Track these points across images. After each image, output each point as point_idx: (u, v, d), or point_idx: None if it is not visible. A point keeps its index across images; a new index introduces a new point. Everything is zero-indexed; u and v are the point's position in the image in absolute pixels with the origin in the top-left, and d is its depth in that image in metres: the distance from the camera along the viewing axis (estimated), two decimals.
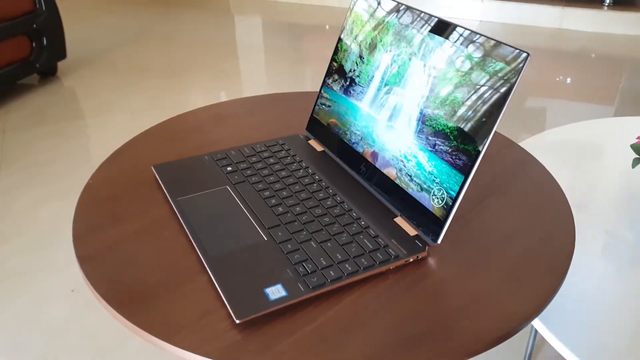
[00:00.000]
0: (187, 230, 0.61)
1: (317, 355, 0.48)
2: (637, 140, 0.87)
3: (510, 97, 0.54)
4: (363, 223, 0.62)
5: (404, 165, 0.63)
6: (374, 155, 0.68)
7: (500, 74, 0.55)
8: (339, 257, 0.57)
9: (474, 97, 0.56)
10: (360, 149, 0.70)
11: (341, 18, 3.29)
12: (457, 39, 0.59)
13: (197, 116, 0.87)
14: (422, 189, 0.61)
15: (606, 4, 3.21)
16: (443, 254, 0.60)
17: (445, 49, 0.60)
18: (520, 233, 0.63)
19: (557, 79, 2.54)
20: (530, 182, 0.73)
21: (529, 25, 3.28)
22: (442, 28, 0.61)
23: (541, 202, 0.69)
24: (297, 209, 0.64)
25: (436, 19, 0.62)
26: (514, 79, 0.53)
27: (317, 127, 0.79)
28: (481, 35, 0.57)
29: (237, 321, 0.50)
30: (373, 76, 0.70)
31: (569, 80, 2.53)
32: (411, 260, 0.58)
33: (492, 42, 0.56)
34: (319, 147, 0.77)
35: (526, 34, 3.15)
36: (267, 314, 0.51)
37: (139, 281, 0.55)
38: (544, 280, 0.56)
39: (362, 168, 0.70)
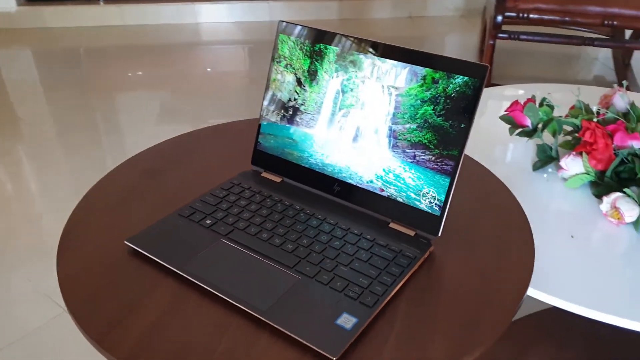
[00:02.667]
0: (219, 294, 0.59)
1: (419, 355, 0.53)
2: (506, 112, 1.07)
3: (480, 97, 0.65)
4: (369, 237, 0.68)
5: (386, 179, 0.70)
6: (347, 174, 0.73)
7: (464, 84, 0.65)
8: (373, 272, 0.62)
9: (445, 108, 0.66)
10: (327, 172, 0.75)
11: (126, 36, 3.14)
12: (409, 58, 0.68)
13: (126, 177, 0.81)
14: (409, 195, 0.69)
15: None
16: (439, 244, 0.69)
17: (400, 69, 0.68)
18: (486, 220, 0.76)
19: None
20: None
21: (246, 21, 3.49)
22: (389, 51, 0.69)
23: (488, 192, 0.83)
24: (304, 241, 0.67)
25: (379, 43, 0.70)
26: (479, 84, 0.64)
27: (264, 159, 0.81)
28: (431, 53, 0.67)
29: (334, 358, 0.52)
30: (322, 102, 0.75)
31: None
32: (426, 256, 0.66)
33: (446, 58, 0.66)
34: (276, 178, 0.79)
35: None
36: (351, 343, 0.54)
37: None
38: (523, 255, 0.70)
39: (335, 188, 0.75)
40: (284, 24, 0.77)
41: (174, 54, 2.94)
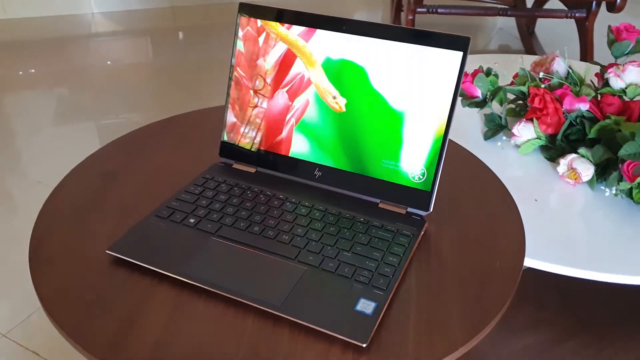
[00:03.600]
0: (228, 295, 0.55)
1: (442, 332, 0.53)
2: None
3: (463, 71, 0.65)
4: (362, 219, 0.67)
5: (378, 159, 0.69)
6: (329, 158, 0.71)
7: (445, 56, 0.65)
8: (377, 254, 0.61)
9: (425, 86, 0.66)
10: (305, 157, 0.72)
11: (11, 30, 2.88)
12: (386, 34, 0.67)
13: (84, 182, 0.74)
14: (397, 172, 0.68)
15: None
16: (429, 220, 0.69)
17: (391, 50, 0.67)
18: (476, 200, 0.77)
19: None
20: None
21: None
22: (362, 27, 0.68)
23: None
24: (299, 230, 0.65)
25: (350, 20, 0.68)
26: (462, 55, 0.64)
27: (234, 150, 0.77)
28: (410, 28, 0.66)
29: (364, 345, 0.51)
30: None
31: None
32: (422, 233, 0.66)
33: (426, 32, 0.65)
34: (250, 169, 0.76)
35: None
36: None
37: None
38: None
39: (316, 174, 0.73)
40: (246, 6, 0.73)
41: (69, 48, 2.73)
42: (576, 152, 0.94)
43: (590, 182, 0.94)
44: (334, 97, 0.71)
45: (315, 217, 0.67)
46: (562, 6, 2.17)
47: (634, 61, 0.98)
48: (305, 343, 0.52)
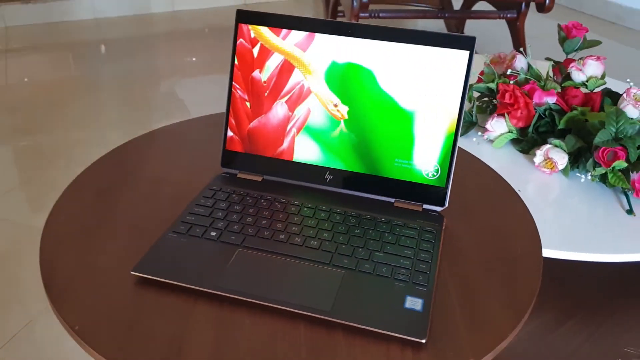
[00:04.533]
0: (276, 305, 0.54)
1: (488, 321, 0.54)
2: None
3: (470, 73, 0.67)
4: (383, 219, 0.67)
5: (390, 158, 0.70)
6: (339, 161, 0.71)
7: (452, 59, 0.67)
8: (408, 252, 0.62)
9: (433, 85, 0.67)
10: (315, 161, 0.72)
11: None
12: (393, 37, 0.68)
13: (81, 202, 0.70)
14: (411, 171, 0.69)
15: None
16: (445, 215, 0.71)
17: (399, 52, 0.68)
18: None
19: (189, 60, 2.71)
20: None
21: (145, 14, 3.32)
22: (368, 30, 0.68)
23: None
24: (325, 235, 0.64)
25: (355, 24, 0.69)
26: (467, 59, 0.66)
27: (238, 160, 0.75)
28: (416, 30, 0.67)
29: (423, 341, 0.51)
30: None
31: (194, 58, 2.74)
32: (444, 228, 0.67)
33: (432, 34, 0.67)
34: (256, 177, 0.74)
35: (142, 23, 3.19)
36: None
37: None
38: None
39: (327, 177, 0.72)
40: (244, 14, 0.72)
41: None
42: (548, 143, 0.99)
43: (564, 170, 1.00)
44: (335, 105, 0.71)
45: (336, 220, 0.67)
46: (490, 7, 2.30)
47: (592, 56, 1.06)
48: (362, 346, 0.52)
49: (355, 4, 1.82)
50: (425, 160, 0.69)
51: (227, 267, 0.59)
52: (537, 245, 0.66)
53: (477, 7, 2.47)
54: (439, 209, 0.69)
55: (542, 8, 1.91)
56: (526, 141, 1.06)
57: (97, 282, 0.57)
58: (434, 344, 0.52)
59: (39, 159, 1.88)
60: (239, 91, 0.73)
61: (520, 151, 1.07)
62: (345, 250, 0.62)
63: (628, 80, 1.06)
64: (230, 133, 0.74)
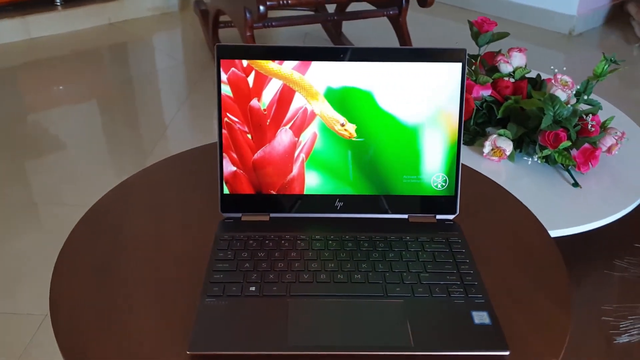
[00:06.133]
0: (357, 352, 0.53)
1: (548, 318, 0.57)
2: None
3: (465, 79, 0.69)
4: (409, 237, 0.67)
5: (399, 176, 0.70)
6: (348, 186, 0.70)
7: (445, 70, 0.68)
8: (449, 267, 0.63)
9: (432, 99, 0.69)
10: (323, 190, 0.70)
11: None
12: (386, 57, 0.68)
13: (75, 277, 0.61)
14: (420, 185, 0.70)
15: (58, 4, 3.20)
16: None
17: (395, 71, 0.68)
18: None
19: (59, 88, 2.50)
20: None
21: None
22: (362, 53, 0.68)
23: None
24: (364, 265, 0.63)
25: (348, 47, 0.68)
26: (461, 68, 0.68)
27: (239, 202, 0.70)
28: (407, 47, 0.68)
29: (507, 353, 0.53)
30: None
31: (61, 87, 2.53)
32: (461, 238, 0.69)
33: (424, 49, 0.68)
34: (262, 218, 0.71)
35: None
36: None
37: None
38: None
39: (337, 205, 0.71)
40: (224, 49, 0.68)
41: None
42: (489, 133, 1.07)
43: (510, 156, 1.08)
44: (342, 125, 0.70)
45: (366, 247, 0.66)
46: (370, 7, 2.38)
47: (514, 48, 1.15)
48: None
49: (249, 15, 1.79)
50: (433, 172, 0.71)
51: (285, 323, 0.56)
52: (545, 230, 0.71)
53: (352, 7, 2.55)
54: (451, 217, 0.72)
55: (424, 3, 2.03)
56: (468, 133, 1.12)
57: None
58: (514, 353, 0.54)
59: None
60: (237, 124, 0.69)
61: (464, 144, 1.13)
62: (393, 278, 0.61)
63: (552, 67, 1.16)
64: (227, 173, 0.70)
